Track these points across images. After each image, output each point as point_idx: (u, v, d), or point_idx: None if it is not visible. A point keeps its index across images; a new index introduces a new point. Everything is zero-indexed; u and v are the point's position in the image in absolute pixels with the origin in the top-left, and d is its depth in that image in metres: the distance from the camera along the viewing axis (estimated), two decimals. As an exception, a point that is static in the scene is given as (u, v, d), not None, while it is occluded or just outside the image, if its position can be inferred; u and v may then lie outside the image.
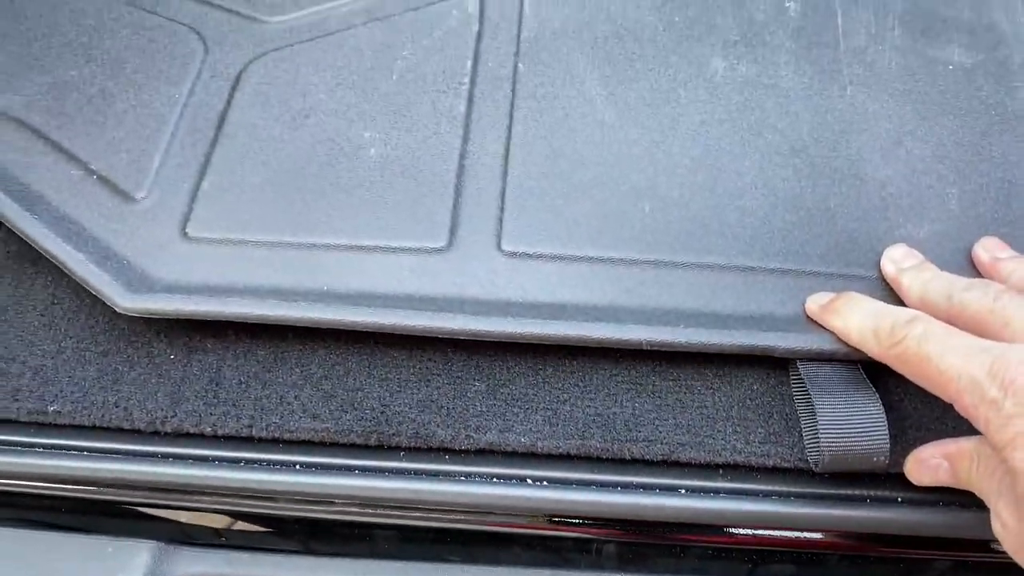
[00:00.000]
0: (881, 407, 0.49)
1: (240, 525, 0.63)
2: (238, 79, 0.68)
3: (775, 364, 0.55)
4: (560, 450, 0.54)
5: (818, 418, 0.48)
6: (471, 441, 0.54)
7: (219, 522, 0.63)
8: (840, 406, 0.49)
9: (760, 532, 0.57)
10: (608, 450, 0.54)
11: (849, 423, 0.48)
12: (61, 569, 0.60)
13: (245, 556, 0.60)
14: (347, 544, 0.60)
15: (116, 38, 0.71)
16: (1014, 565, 0.53)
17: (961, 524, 0.53)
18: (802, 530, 0.55)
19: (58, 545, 0.60)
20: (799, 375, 0.52)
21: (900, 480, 0.53)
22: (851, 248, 0.57)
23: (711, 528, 0.56)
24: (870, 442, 0.48)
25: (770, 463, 0.53)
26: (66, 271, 0.57)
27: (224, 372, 0.57)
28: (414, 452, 0.56)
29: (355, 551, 0.59)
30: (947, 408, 0.50)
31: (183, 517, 0.63)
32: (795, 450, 0.53)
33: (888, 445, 0.48)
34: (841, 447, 0.48)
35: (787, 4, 0.70)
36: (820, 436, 0.48)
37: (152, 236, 0.59)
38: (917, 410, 0.54)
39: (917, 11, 0.70)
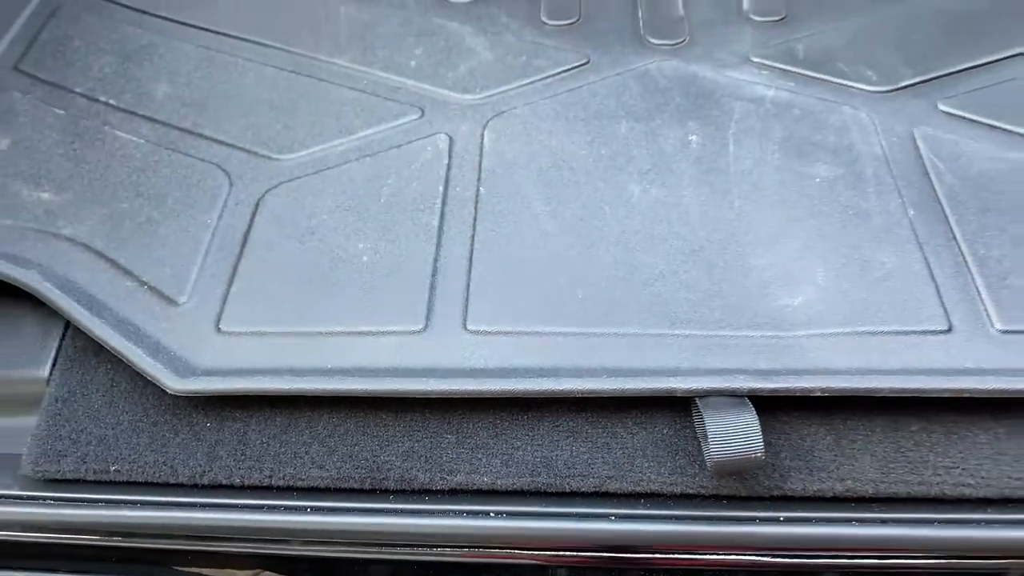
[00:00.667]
0: (756, 417, 0.64)
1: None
2: (257, 206, 0.85)
3: (681, 410, 0.71)
4: (515, 487, 0.69)
5: (707, 428, 0.63)
6: (445, 482, 0.69)
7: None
8: (725, 419, 0.64)
9: (684, 556, 0.71)
10: (552, 485, 0.68)
11: (732, 429, 0.63)
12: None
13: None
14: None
15: (158, 176, 0.89)
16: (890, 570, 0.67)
17: (840, 535, 0.67)
18: (707, 547, 0.69)
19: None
20: (698, 408, 0.67)
21: (784, 501, 0.68)
22: (738, 316, 0.73)
23: (640, 548, 0.70)
24: (748, 441, 0.63)
25: (678, 491, 0.68)
26: (125, 361, 0.73)
27: (249, 435, 0.72)
28: (400, 494, 0.70)
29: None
30: (817, 420, 0.66)
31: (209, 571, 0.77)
32: (697, 479, 0.68)
33: (762, 443, 0.63)
34: (726, 447, 0.63)
35: (690, 138, 0.89)
36: (710, 440, 0.63)
37: (192, 332, 0.75)
38: (791, 421, 0.69)
39: (792, 138, 0.88)
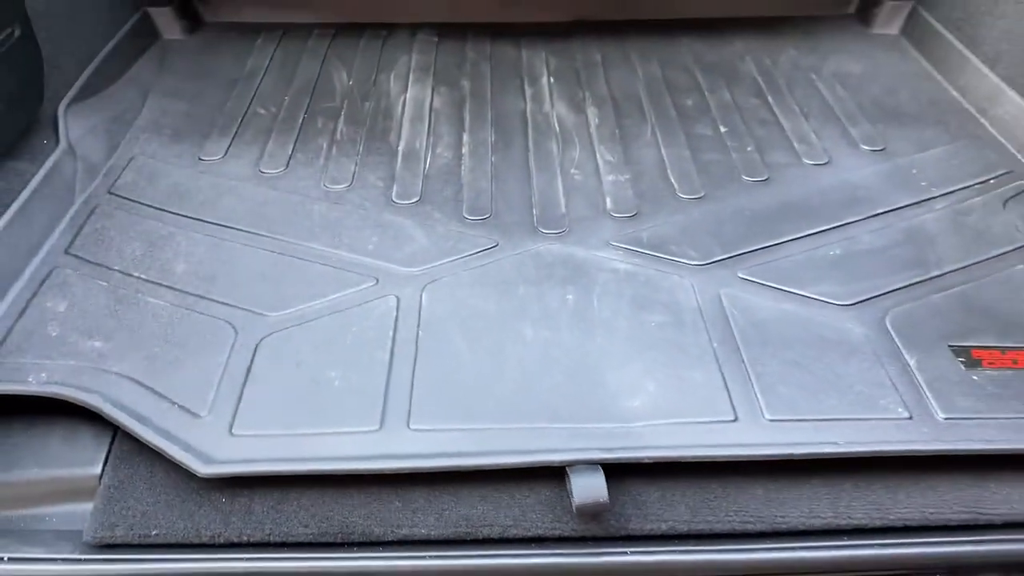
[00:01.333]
0: (603, 477, 0.96)
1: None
2: (256, 348, 1.18)
3: (558, 479, 1.02)
4: (443, 537, 0.99)
5: (572, 486, 0.95)
6: (394, 535, 0.99)
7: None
8: (583, 479, 0.96)
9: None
10: (470, 534, 0.99)
11: (588, 485, 0.95)
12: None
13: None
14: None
15: (181, 329, 1.21)
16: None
17: (664, 560, 0.98)
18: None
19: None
20: (568, 475, 0.99)
21: (626, 539, 0.99)
22: (596, 414, 1.07)
23: (533, 579, 1.00)
24: (598, 493, 0.94)
25: (556, 533, 0.99)
26: (164, 455, 1.02)
27: (253, 506, 1.00)
28: (362, 545, 0.99)
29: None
30: (648, 481, 0.98)
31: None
32: (569, 524, 0.99)
33: (606, 494, 0.94)
34: (585, 497, 0.94)
35: (567, 297, 1.26)
36: (574, 495, 0.95)
37: (212, 435, 1.05)
38: (631, 483, 1.01)
39: (637, 296, 1.26)
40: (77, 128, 1.56)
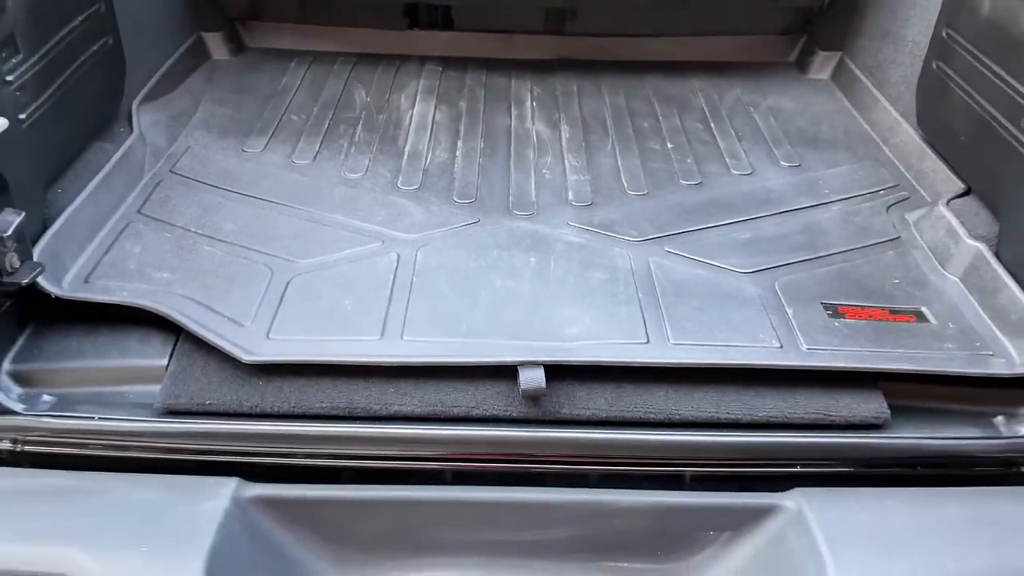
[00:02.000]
0: (543, 372, 1.30)
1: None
2: (287, 284, 1.53)
3: (512, 376, 1.36)
4: (421, 414, 1.32)
5: (520, 377, 1.30)
6: (386, 411, 1.33)
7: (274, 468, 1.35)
8: (529, 374, 1.30)
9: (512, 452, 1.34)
10: (443, 412, 1.32)
11: (531, 380, 1.29)
12: (182, 494, 1.30)
13: (292, 485, 1.32)
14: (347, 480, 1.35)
15: (230, 268, 1.56)
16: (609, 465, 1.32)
17: (582, 438, 1.32)
18: (521, 444, 1.33)
19: (178, 481, 1.31)
20: (518, 372, 1.33)
21: (559, 422, 1.33)
22: (546, 335, 1.41)
23: (486, 444, 1.33)
24: (540, 383, 1.29)
25: (507, 414, 1.33)
26: (217, 347, 1.36)
27: (284, 387, 1.35)
28: (363, 418, 1.33)
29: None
30: (579, 381, 1.33)
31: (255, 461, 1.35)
32: (517, 405, 1.33)
33: (544, 383, 1.29)
34: (529, 381, 1.29)
35: (530, 259, 1.61)
36: (521, 383, 1.29)
37: (254, 337, 1.40)
38: (566, 382, 1.35)
39: (584, 261, 1.62)
40: (146, 121, 1.94)
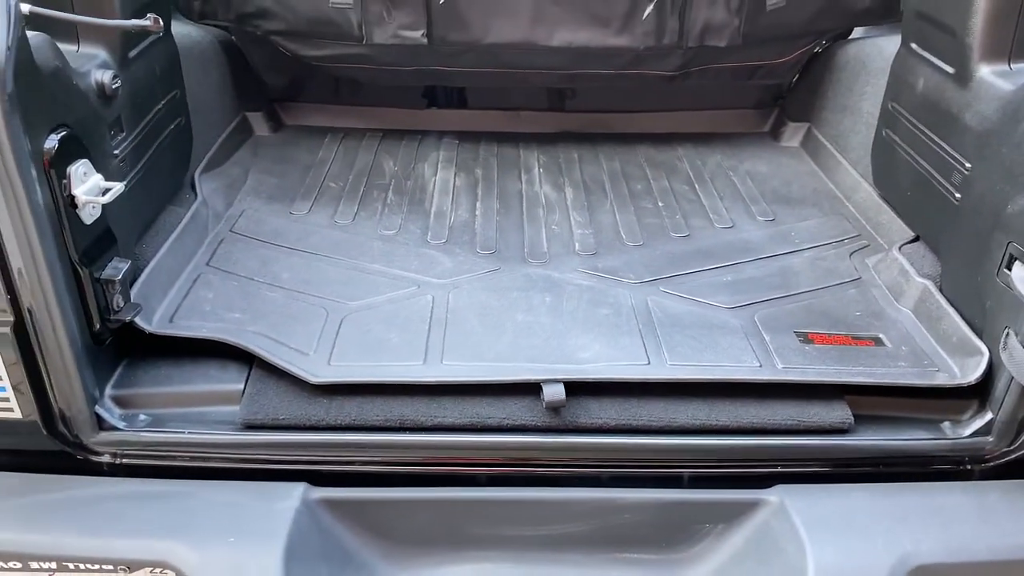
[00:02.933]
0: (563, 388, 1.56)
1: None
2: (341, 321, 1.80)
3: (536, 392, 1.62)
4: (459, 424, 1.58)
5: (544, 391, 1.56)
6: (431, 422, 1.58)
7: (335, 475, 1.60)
8: (551, 389, 1.56)
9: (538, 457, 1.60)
10: (479, 423, 1.58)
11: (553, 392, 1.55)
12: (259, 496, 1.55)
13: (351, 489, 1.56)
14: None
15: (291, 309, 1.82)
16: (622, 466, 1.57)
17: (597, 443, 1.57)
18: (544, 451, 1.58)
19: (255, 486, 1.56)
20: (542, 389, 1.59)
21: (575, 430, 1.59)
22: (562, 360, 1.68)
23: (517, 450, 1.59)
24: (560, 396, 1.55)
25: (531, 423, 1.58)
26: (288, 372, 1.62)
27: (344, 404, 1.60)
28: (411, 429, 1.58)
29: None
30: (593, 396, 1.59)
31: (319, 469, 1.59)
32: (540, 416, 1.59)
33: (564, 396, 1.55)
34: (551, 395, 1.55)
35: (546, 299, 1.89)
36: (544, 394, 1.55)
37: (317, 363, 1.66)
38: (581, 398, 1.61)
39: (593, 299, 1.89)
40: (207, 189, 2.24)
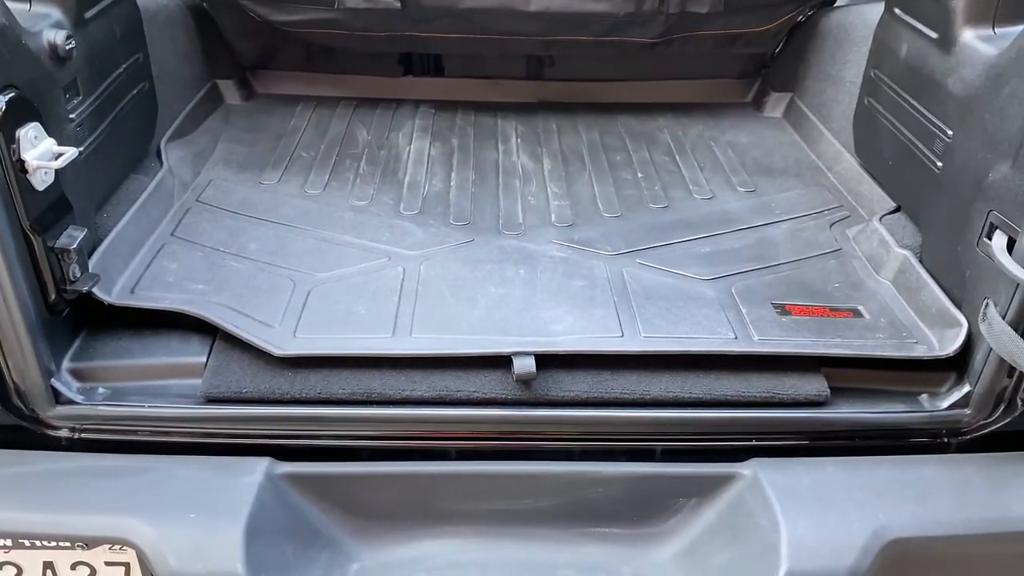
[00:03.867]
0: (533, 360, 1.53)
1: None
2: (308, 293, 1.75)
3: (507, 365, 1.59)
4: (424, 397, 1.54)
5: (514, 364, 1.52)
6: (399, 395, 1.54)
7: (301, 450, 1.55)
8: (521, 361, 1.52)
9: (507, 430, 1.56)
10: (448, 396, 1.54)
11: (524, 362, 1.51)
12: (222, 471, 1.50)
13: (317, 464, 1.52)
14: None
15: (257, 280, 1.77)
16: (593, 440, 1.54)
17: (567, 416, 1.54)
18: (514, 423, 1.54)
19: (218, 461, 1.51)
20: (511, 361, 1.55)
21: (548, 403, 1.55)
22: (534, 332, 1.64)
23: (483, 423, 1.55)
24: (530, 369, 1.51)
25: (500, 396, 1.55)
26: (252, 345, 1.57)
27: (309, 376, 1.56)
28: (378, 403, 1.54)
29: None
30: (565, 368, 1.56)
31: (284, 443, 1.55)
32: (509, 388, 1.55)
33: (535, 369, 1.51)
34: (521, 367, 1.51)
35: (519, 271, 1.85)
36: (514, 365, 1.51)
37: (282, 335, 1.61)
38: (553, 370, 1.58)
39: (567, 271, 1.85)
40: (173, 157, 2.17)
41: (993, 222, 1.50)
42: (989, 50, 1.64)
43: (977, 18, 1.71)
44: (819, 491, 1.50)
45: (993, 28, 1.70)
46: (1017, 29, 1.57)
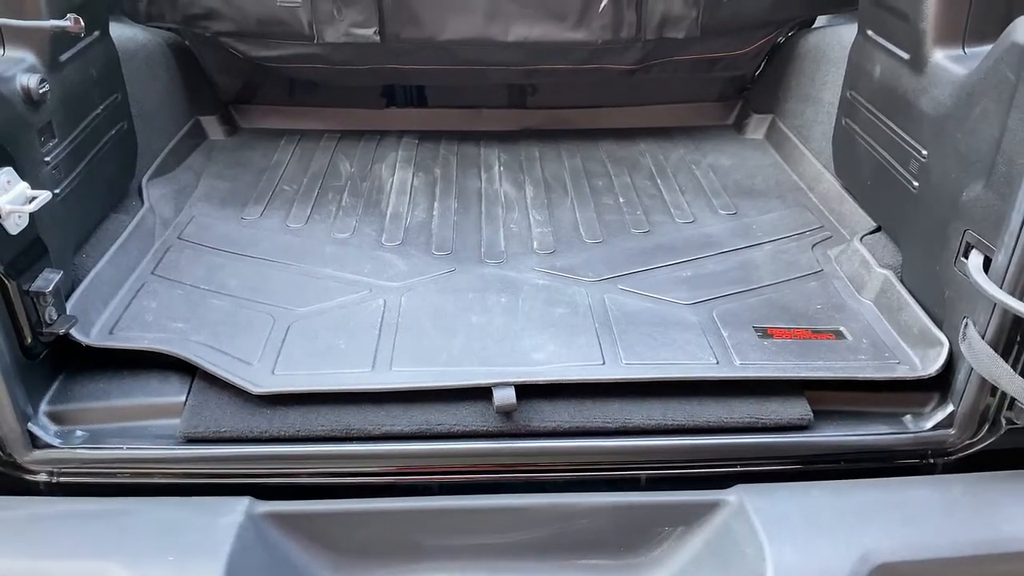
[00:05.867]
0: (513, 391, 1.52)
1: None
2: (288, 328, 1.74)
3: (487, 397, 1.58)
4: (405, 432, 1.53)
5: (494, 396, 1.51)
6: (378, 431, 1.53)
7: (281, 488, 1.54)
8: (501, 392, 1.51)
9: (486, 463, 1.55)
10: (428, 430, 1.53)
11: (504, 394, 1.50)
12: (201, 512, 1.49)
13: (297, 502, 1.51)
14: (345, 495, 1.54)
15: (236, 317, 1.77)
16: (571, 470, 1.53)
17: (548, 447, 1.53)
18: (496, 456, 1.53)
19: (197, 501, 1.50)
20: (492, 393, 1.54)
21: (528, 435, 1.54)
22: (515, 361, 1.63)
23: (464, 457, 1.54)
24: (510, 400, 1.50)
25: (482, 429, 1.53)
26: (229, 382, 1.56)
27: (288, 413, 1.55)
28: (357, 438, 1.53)
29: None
30: (546, 398, 1.55)
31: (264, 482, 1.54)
32: (490, 421, 1.54)
33: (515, 400, 1.50)
34: (501, 398, 1.50)
35: (501, 299, 1.84)
36: (495, 400, 1.50)
37: (261, 373, 1.60)
38: (534, 400, 1.57)
39: (549, 298, 1.85)
40: (154, 195, 2.18)
41: (969, 241, 1.50)
42: (959, 70, 1.65)
43: (947, 38, 1.72)
44: (805, 516, 1.48)
45: (963, 48, 1.71)
46: (987, 48, 1.58)
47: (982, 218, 1.47)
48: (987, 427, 1.55)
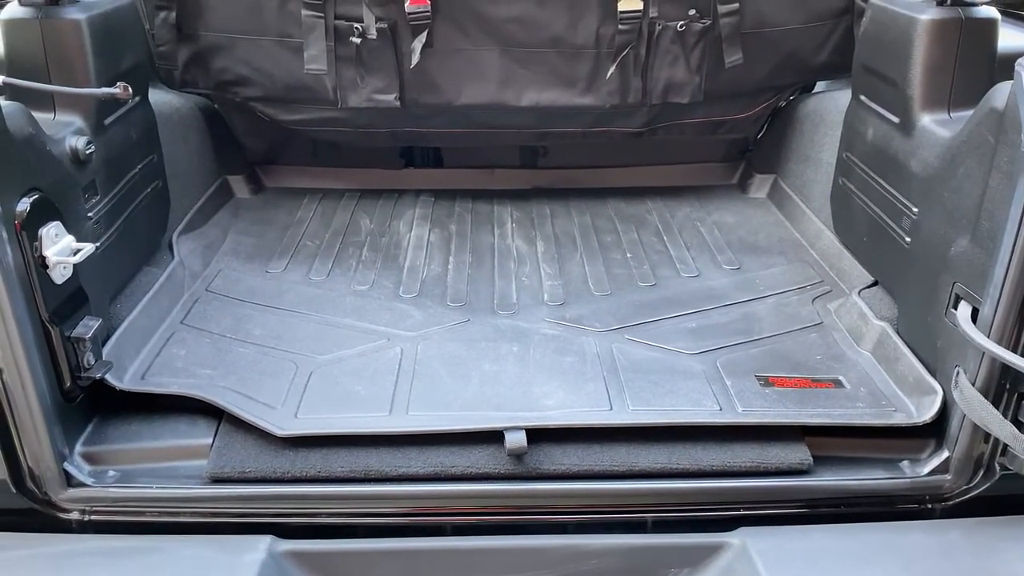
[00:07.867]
0: (524, 435, 1.59)
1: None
2: (310, 375, 1.83)
3: (500, 440, 1.65)
4: (421, 474, 1.60)
5: (506, 439, 1.58)
6: (395, 472, 1.60)
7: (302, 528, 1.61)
8: (513, 436, 1.58)
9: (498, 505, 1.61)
10: (443, 472, 1.60)
11: (516, 438, 1.58)
12: (226, 550, 1.56)
13: (317, 541, 1.57)
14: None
15: (262, 364, 1.86)
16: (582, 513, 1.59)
17: (557, 489, 1.59)
18: (507, 498, 1.60)
19: (222, 540, 1.57)
20: (504, 436, 1.61)
21: (539, 478, 1.61)
22: (525, 407, 1.70)
23: (476, 498, 1.60)
24: (521, 444, 1.57)
25: (495, 471, 1.60)
26: (254, 425, 1.64)
27: (309, 455, 1.62)
28: (376, 480, 1.60)
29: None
30: (554, 442, 1.62)
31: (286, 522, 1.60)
32: (503, 463, 1.61)
33: (525, 443, 1.57)
34: (513, 441, 1.57)
35: (513, 348, 1.92)
36: (507, 443, 1.57)
37: (284, 416, 1.68)
38: (544, 444, 1.64)
39: (559, 348, 1.93)
40: (184, 250, 2.29)
41: (958, 293, 1.58)
42: (945, 133, 1.75)
43: (933, 103, 1.83)
44: (806, 558, 1.54)
45: (948, 112, 1.82)
46: (970, 112, 1.69)
47: (969, 271, 1.55)
48: (982, 472, 1.61)
